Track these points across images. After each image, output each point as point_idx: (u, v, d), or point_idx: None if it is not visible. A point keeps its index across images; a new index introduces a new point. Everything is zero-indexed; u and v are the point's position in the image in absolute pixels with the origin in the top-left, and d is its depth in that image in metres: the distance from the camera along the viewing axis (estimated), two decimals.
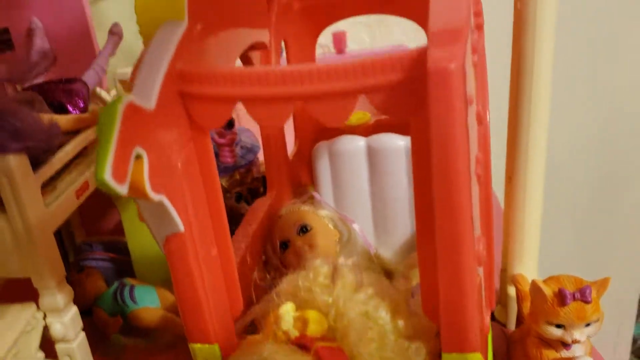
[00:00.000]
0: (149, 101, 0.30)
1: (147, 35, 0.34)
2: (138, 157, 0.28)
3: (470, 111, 0.30)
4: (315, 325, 0.34)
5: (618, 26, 1.30)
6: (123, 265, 0.65)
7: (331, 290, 0.36)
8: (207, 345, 0.37)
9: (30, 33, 0.59)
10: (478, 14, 0.38)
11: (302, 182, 0.66)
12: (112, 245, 0.67)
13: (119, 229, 0.67)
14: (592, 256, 1.53)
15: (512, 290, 0.60)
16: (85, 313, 0.61)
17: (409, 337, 0.35)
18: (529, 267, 0.59)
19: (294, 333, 0.34)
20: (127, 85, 0.61)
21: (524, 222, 0.57)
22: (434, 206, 0.30)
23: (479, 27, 0.38)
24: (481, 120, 0.33)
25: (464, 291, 0.31)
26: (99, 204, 0.69)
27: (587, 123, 1.41)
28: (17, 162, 0.41)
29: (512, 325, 0.62)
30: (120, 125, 0.26)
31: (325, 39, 1.18)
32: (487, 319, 0.37)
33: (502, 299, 0.63)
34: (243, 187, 0.66)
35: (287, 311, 0.35)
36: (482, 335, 0.36)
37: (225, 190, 0.65)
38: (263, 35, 0.49)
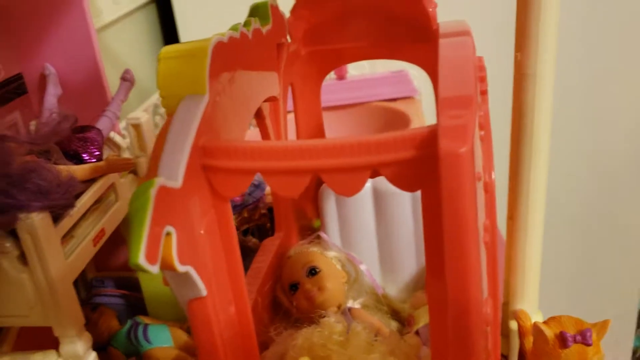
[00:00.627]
0: (176, 180, 0.31)
1: (169, 108, 0.36)
2: (167, 235, 0.30)
3: (479, 185, 0.32)
4: None
5: (615, 64, 1.34)
6: (135, 302, 0.66)
7: (346, 348, 0.38)
8: None
9: (44, 79, 0.61)
10: (482, 79, 0.40)
11: (308, 215, 0.68)
12: (124, 281, 0.69)
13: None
14: (590, 268, 1.55)
15: (514, 325, 0.62)
16: (98, 349, 0.62)
17: None
18: (530, 302, 0.61)
19: None
20: (138, 130, 0.63)
21: (525, 259, 0.59)
22: (445, 274, 0.32)
23: (484, 93, 0.40)
24: (488, 188, 0.35)
25: (473, 353, 0.33)
26: (111, 240, 0.70)
27: (585, 161, 1.45)
28: (39, 220, 0.43)
29: (514, 358, 0.64)
30: (152, 210, 0.28)
31: None
32: None
33: (504, 331, 0.65)
34: (251, 223, 0.67)
35: None
36: None
37: (235, 228, 0.67)
38: (274, 87, 0.51)
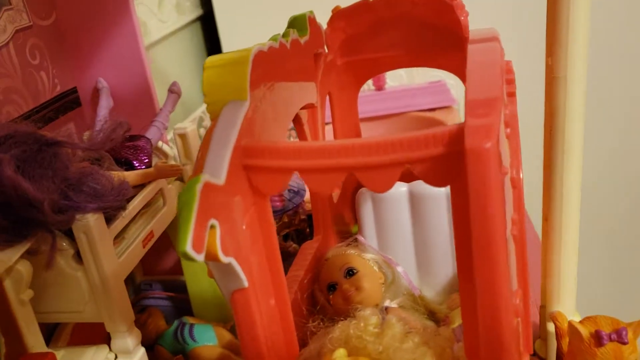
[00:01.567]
0: (220, 177, 0.34)
1: (214, 113, 0.39)
2: (212, 227, 0.33)
3: (506, 180, 0.34)
4: None
5: None
6: (182, 304, 0.69)
7: (381, 338, 0.39)
8: None
9: (97, 93, 0.65)
10: (510, 81, 0.41)
11: (346, 220, 0.69)
12: (171, 284, 0.72)
13: (177, 268, 0.72)
14: (630, 289, 1.53)
15: (551, 327, 0.62)
16: (146, 348, 0.65)
17: None
18: (567, 304, 0.62)
19: None
20: (184, 139, 0.66)
21: (561, 260, 0.60)
22: (473, 267, 0.33)
23: (511, 95, 0.42)
24: (515, 184, 0.36)
25: (503, 344, 0.34)
26: (158, 245, 0.74)
27: (621, 159, 1.43)
28: (94, 221, 0.46)
29: None
30: (198, 203, 0.31)
31: None
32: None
33: (542, 334, 0.65)
34: (291, 228, 0.70)
35: (341, 356, 0.39)
36: None
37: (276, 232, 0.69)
38: (312, 95, 0.54)
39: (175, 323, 0.63)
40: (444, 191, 0.58)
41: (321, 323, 0.48)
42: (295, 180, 0.75)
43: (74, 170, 0.46)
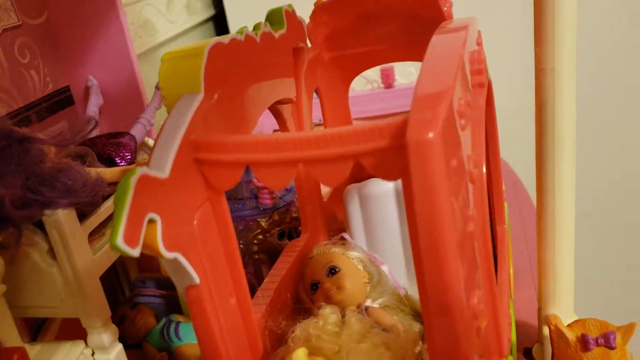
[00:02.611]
0: (164, 170, 0.33)
1: (169, 106, 0.38)
2: (151, 221, 0.32)
3: (458, 172, 0.32)
4: None
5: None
6: (174, 302, 0.69)
7: (338, 336, 0.38)
8: None
9: (86, 90, 0.65)
10: (479, 72, 0.40)
11: (339, 219, 0.68)
12: (165, 282, 0.72)
13: None
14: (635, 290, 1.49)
15: (546, 331, 0.60)
16: (137, 347, 0.65)
17: None
18: (563, 306, 0.59)
19: None
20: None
21: (555, 260, 0.57)
22: (422, 265, 0.32)
23: (480, 85, 0.40)
24: (474, 179, 0.35)
25: (457, 347, 0.33)
26: (161, 266, 0.74)
27: (619, 157, 1.40)
28: (65, 216, 0.46)
29: None
30: (132, 197, 0.30)
31: (374, 73, 1.21)
32: None
33: (539, 338, 0.63)
34: (282, 226, 0.69)
35: (298, 356, 0.38)
36: None
37: (265, 231, 0.68)
38: (289, 89, 0.53)
39: (163, 320, 0.63)
40: None
41: (284, 323, 0.47)
42: None
43: (48, 166, 0.46)
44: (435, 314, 0.32)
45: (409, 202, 0.32)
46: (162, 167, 0.33)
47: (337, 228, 0.67)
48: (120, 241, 0.29)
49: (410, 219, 0.33)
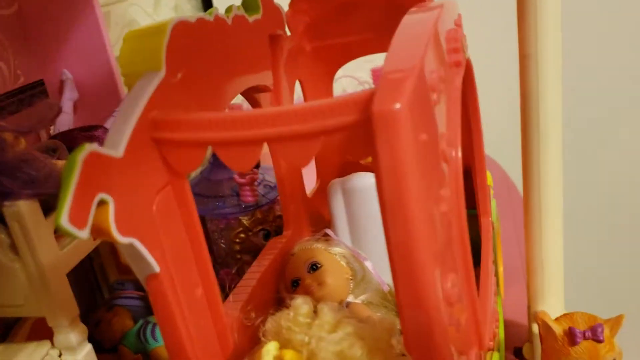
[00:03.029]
0: (118, 149, 0.31)
1: (130, 86, 0.36)
2: (103, 203, 0.30)
3: (428, 149, 0.30)
4: None
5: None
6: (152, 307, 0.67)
7: (310, 327, 0.36)
8: None
9: (61, 84, 0.63)
10: (456, 50, 0.38)
11: (326, 219, 0.66)
12: None
13: None
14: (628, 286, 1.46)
15: (535, 328, 0.58)
16: (115, 350, 0.63)
17: None
18: (553, 304, 0.57)
19: None
20: None
21: (543, 256, 0.55)
22: (391, 246, 0.30)
23: (458, 64, 0.38)
24: (447, 158, 0.33)
25: (429, 329, 0.30)
26: (120, 254, 0.72)
27: (608, 150, 1.38)
28: (27, 208, 0.44)
29: None
30: (79, 174, 0.28)
31: (366, 75, 1.19)
32: (474, 358, 0.36)
33: (529, 336, 0.61)
34: (265, 225, 0.67)
35: (268, 350, 0.36)
36: None
37: (248, 229, 0.66)
38: (264, 76, 0.51)
39: (140, 322, 0.61)
40: None
41: (254, 315, 0.45)
42: (274, 176, 0.72)
43: (10, 156, 0.44)
44: (407, 303, 0.30)
45: (377, 180, 0.30)
46: (116, 146, 0.31)
47: (322, 225, 0.65)
48: (65, 221, 0.27)
49: (380, 200, 0.31)
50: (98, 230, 0.30)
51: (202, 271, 0.38)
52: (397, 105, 0.27)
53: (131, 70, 0.36)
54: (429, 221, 0.29)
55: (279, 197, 0.69)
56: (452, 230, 0.33)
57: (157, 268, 0.34)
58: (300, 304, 0.38)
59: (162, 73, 0.35)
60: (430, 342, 0.31)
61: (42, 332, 0.52)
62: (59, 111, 0.50)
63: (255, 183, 0.66)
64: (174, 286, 0.35)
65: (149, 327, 0.60)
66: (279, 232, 0.71)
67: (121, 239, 0.31)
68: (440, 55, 0.35)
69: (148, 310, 0.67)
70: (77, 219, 0.28)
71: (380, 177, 0.29)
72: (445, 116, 0.34)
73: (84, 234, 0.28)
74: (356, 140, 0.31)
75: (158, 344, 0.58)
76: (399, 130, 0.27)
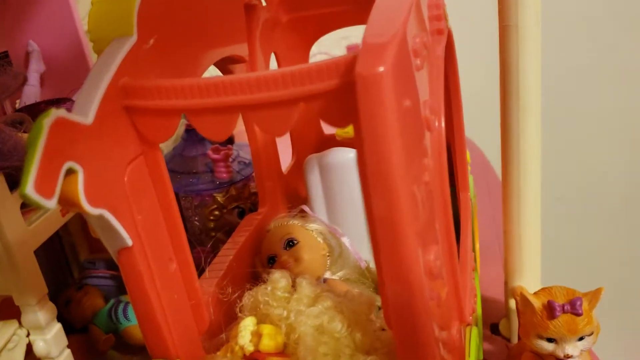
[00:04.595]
0: (87, 116, 0.30)
1: (99, 52, 0.34)
2: (71, 172, 0.28)
3: (412, 116, 0.29)
4: (268, 340, 0.33)
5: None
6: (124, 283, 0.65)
7: (288, 301, 0.35)
8: None
9: (27, 56, 0.61)
10: (438, 18, 0.37)
11: (302, 195, 0.65)
12: (115, 262, 0.68)
13: None
14: (607, 262, 1.48)
15: (512, 303, 0.58)
16: (85, 330, 0.61)
17: (370, 350, 0.34)
18: (530, 278, 0.57)
19: (249, 348, 0.34)
20: None
21: (520, 231, 0.55)
22: (373, 216, 0.29)
23: (439, 32, 0.37)
24: (431, 126, 0.32)
25: (412, 302, 0.30)
26: (91, 228, 0.70)
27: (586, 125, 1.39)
28: None
29: (515, 339, 0.60)
30: (45, 141, 0.26)
31: (341, 51, 1.18)
32: (455, 332, 0.36)
33: (506, 312, 0.61)
34: (240, 202, 0.65)
35: (245, 326, 0.35)
36: (450, 348, 0.35)
37: (222, 206, 0.65)
38: (240, 47, 0.49)
39: (112, 301, 0.60)
40: None
41: (230, 290, 0.44)
42: (248, 152, 0.71)
43: None
44: (389, 276, 0.30)
45: (359, 148, 0.29)
46: (85, 112, 0.30)
47: (298, 202, 0.64)
48: (30, 189, 0.26)
49: (361, 169, 0.30)
50: (66, 201, 0.28)
51: (177, 245, 0.37)
52: (381, 69, 0.26)
53: (100, 35, 0.34)
54: (412, 191, 0.29)
55: (253, 174, 0.68)
56: (434, 202, 0.32)
57: (129, 241, 0.33)
58: (278, 278, 0.38)
59: (134, 38, 0.34)
60: (412, 317, 0.30)
61: (9, 311, 0.51)
62: (24, 80, 0.48)
63: (230, 159, 0.65)
64: (147, 260, 0.34)
65: (121, 306, 0.58)
66: (253, 209, 0.70)
67: (91, 209, 0.30)
68: (422, 22, 0.34)
69: (119, 289, 0.66)
70: (44, 188, 0.26)
71: (362, 145, 0.28)
72: (427, 84, 0.33)
73: (51, 203, 0.27)
74: (337, 107, 0.30)
75: (130, 323, 0.57)
76: (383, 95, 0.26)
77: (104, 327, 0.58)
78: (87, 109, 0.30)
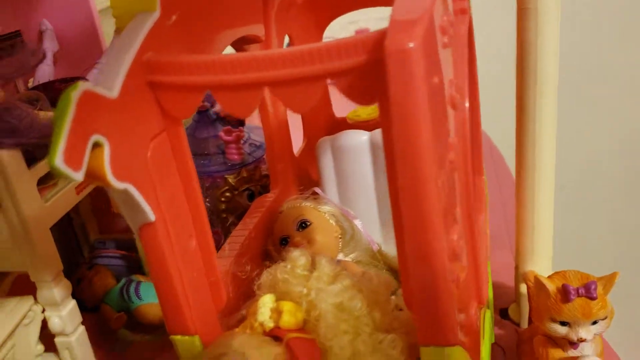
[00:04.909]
0: (112, 90, 0.30)
1: (121, 28, 0.34)
2: (97, 145, 0.28)
3: (439, 94, 0.29)
4: (289, 317, 0.34)
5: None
6: (134, 262, 0.66)
7: (308, 279, 0.35)
8: (187, 337, 0.36)
9: (40, 35, 0.60)
10: None
11: (313, 178, 0.65)
12: (125, 242, 0.68)
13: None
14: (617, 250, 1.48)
15: (523, 288, 0.58)
16: (96, 310, 0.62)
17: (388, 330, 0.34)
18: (542, 264, 0.57)
19: (269, 324, 0.34)
20: None
21: (534, 215, 0.55)
22: (399, 194, 0.29)
23: (463, 12, 0.37)
24: (456, 105, 0.32)
25: (435, 283, 0.30)
26: (114, 202, 0.70)
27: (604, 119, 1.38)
28: (9, 158, 0.42)
29: (525, 324, 0.60)
30: (74, 113, 0.26)
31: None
32: (474, 312, 0.36)
33: (516, 297, 0.61)
34: (251, 184, 0.65)
35: (265, 303, 0.35)
36: (468, 330, 0.35)
37: (233, 188, 0.65)
38: (254, 29, 0.49)
39: (123, 281, 0.60)
40: None
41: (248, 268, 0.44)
42: (260, 135, 0.70)
43: None
44: (413, 255, 0.29)
45: (386, 127, 0.29)
46: (111, 86, 0.30)
47: (309, 185, 0.64)
48: (59, 161, 0.26)
49: (388, 146, 0.30)
50: (92, 174, 0.28)
51: (197, 223, 0.37)
52: (411, 44, 0.26)
53: (123, 10, 0.34)
54: (439, 168, 0.29)
55: (264, 157, 0.68)
56: (456, 180, 0.32)
57: (152, 216, 0.33)
58: (298, 256, 0.38)
59: (157, 14, 0.33)
60: (434, 298, 0.30)
61: (23, 289, 0.51)
62: (43, 57, 0.48)
63: (241, 141, 0.65)
64: (168, 236, 0.34)
65: (133, 285, 0.58)
66: (263, 192, 0.70)
67: (116, 183, 0.30)
68: (446, 1, 0.34)
69: (129, 269, 0.66)
70: (72, 160, 0.26)
71: (391, 122, 0.27)
72: (452, 62, 0.33)
73: (79, 175, 0.27)
74: (363, 84, 0.29)
75: (142, 302, 0.57)
76: (413, 71, 0.26)
77: (115, 306, 0.59)
78: (112, 83, 0.30)
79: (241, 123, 0.70)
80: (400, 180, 0.28)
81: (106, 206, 0.68)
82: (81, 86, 0.28)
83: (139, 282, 0.58)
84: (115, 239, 0.69)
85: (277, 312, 0.35)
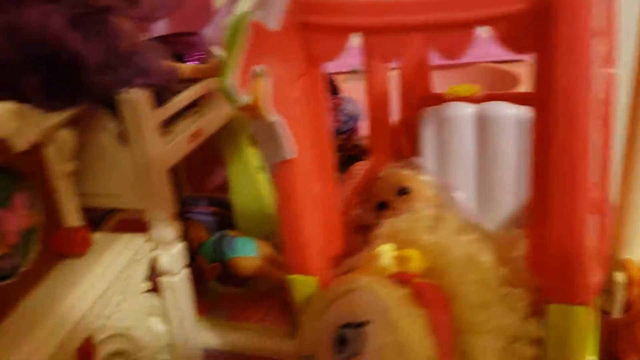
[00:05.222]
0: (274, 22, 0.30)
1: None
2: (259, 75, 0.29)
3: (598, 50, 0.29)
4: (416, 263, 0.34)
5: None
6: (225, 219, 0.67)
7: (433, 230, 0.36)
8: (306, 277, 0.37)
9: None
10: None
11: (404, 152, 0.65)
12: (216, 201, 0.69)
13: (224, 187, 0.70)
14: None
15: (618, 277, 0.57)
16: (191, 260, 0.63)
17: (514, 285, 0.35)
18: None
19: (392, 269, 0.34)
20: None
21: (637, 206, 0.54)
22: (551, 149, 0.29)
23: None
24: (609, 62, 0.32)
25: (577, 237, 0.30)
26: (208, 161, 0.72)
27: None
28: (141, 96, 0.44)
29: (617, 313, 0.58)
30: (248, 37, 0.27)
31: None
32: (598, 278, 0.36)
33: (607, 287, 0.60)
34: (345, 152, 0.66)
35: (385, 250, 0.36)
36: (591, 293, 0.35)
37: None
38: None
39: (217, 235, 0.61)
40: (514, 114, 0.53)
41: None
42: (353, 106, 0.71)
43: (124, 44, 0.43)
44: (560, 198, 0.29)
45: (542, 80, 0.29)
46: (273, 18, 0.31)
47: (403, 157, 0.64)
48: (230, 82, 0.27)
49: (543, 99, 0.30)
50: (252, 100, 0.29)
51: (324, 168, 0.38)
52: None
53: None
54: (593, 122, 0.29)
55: (355, 127, 0.69)
56: (601, 139, 0.32)
57: (294, 153, 0.33)
58: (424, 208, 0.38)
59: None
60: (573, 254, 0.30)
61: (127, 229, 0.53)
62: (179, 3, 0.49)
63: (338, 109, 0.66)
64: (302, 175, 0.35)
65: (227, 239, 0.60)
66: (352, 162, 0.71)
67: (269, 114, 0.30)
68: None
69: (221, 225, 0.67)
70: (242, 83, 0.28)
71: (555, 71, 0.27)
72: (605, 20, 0.32)
73: (244, 99, 0.28)
74: (523, 32, 0.30)
75: (236, 254, 0.58)
76: (585, 19, 0.26)
77: (209, 257, 0.60)
78: (274, 16, 0.31)
79: (335, 92, 0.70)
80: (559, 129, 0.28)
81: (201, 165, 0.70)
82: (250, 16, 0.29)
83: (233, 237, 0.60)
84: (207, 197, 0.71)
85: (399, 259, 0.35)
